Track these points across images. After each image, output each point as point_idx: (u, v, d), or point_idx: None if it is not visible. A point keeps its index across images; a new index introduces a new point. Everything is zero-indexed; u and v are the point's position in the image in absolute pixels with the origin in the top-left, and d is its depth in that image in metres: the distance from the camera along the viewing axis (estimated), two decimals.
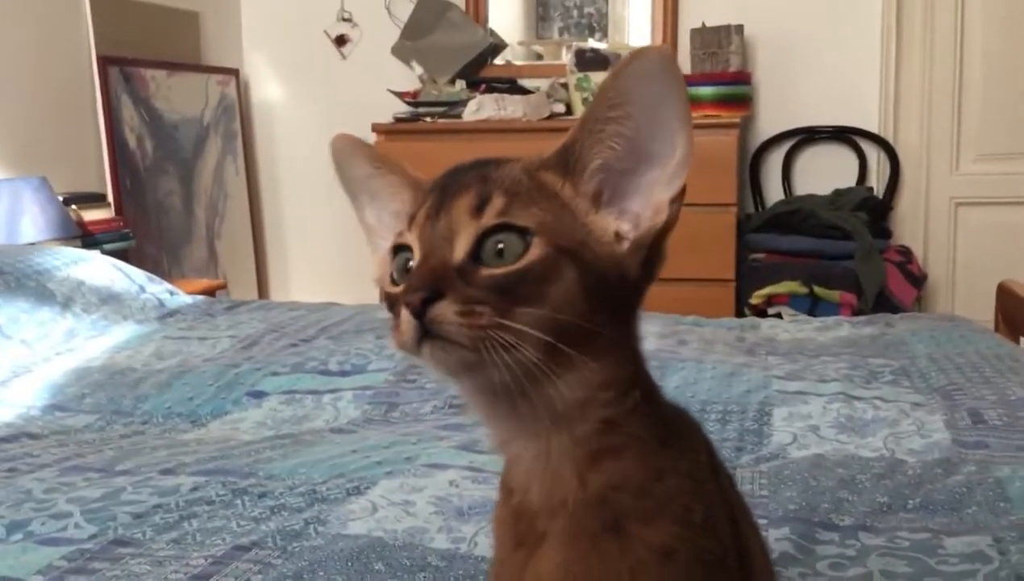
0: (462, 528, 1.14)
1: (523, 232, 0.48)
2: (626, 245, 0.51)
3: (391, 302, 0.50)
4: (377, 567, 1.04)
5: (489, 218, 0.49)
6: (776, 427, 1.49)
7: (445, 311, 0.46)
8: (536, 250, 0.48)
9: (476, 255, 0.48)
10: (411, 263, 0.49)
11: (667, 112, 0.49)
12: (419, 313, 0.46)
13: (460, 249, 0.48)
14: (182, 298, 2.52)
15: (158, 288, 2.51)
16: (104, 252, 2.70)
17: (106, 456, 1.43)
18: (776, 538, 1.13)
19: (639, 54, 0.49)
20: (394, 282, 0.51)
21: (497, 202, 0.49)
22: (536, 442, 0.53)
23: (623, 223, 0.52)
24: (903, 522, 1.18)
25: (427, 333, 0.46)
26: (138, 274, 2.52)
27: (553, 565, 0.53)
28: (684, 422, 0.60)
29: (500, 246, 0.48)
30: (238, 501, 1.22)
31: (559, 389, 0.50)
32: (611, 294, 0.51)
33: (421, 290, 0.46)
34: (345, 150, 0.57)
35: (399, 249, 0.51)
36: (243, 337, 2.10)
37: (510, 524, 0.56)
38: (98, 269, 2.42)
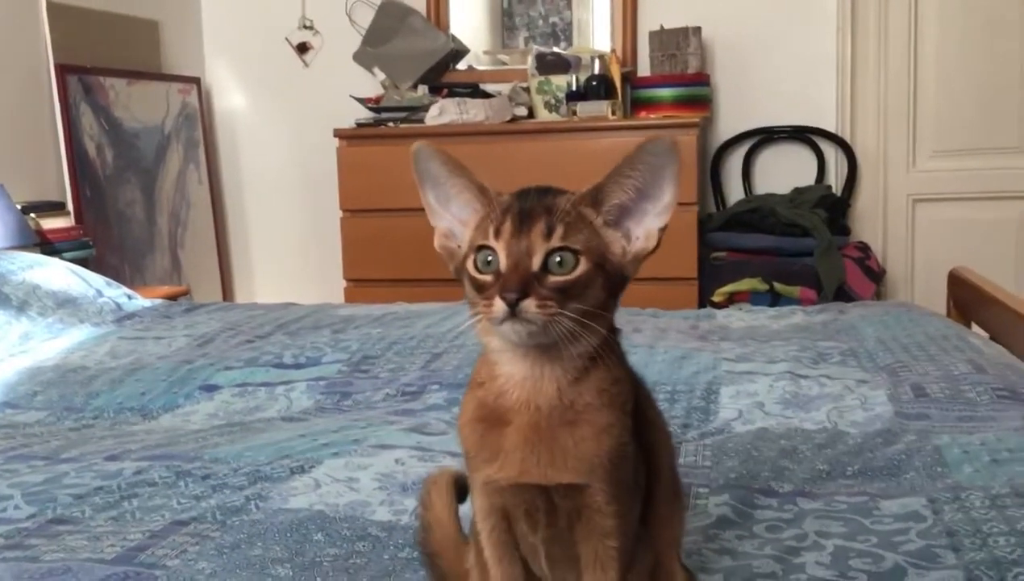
0: (404, 501, 1.14)
1: (575, 252, 0.73)
2: (629, 257, 0.77)
3: (479, 286, 0.74)
4: (316, 537, 1.04)
5: (555, 242, 0.73)
6: (723, 404, 1.50)
7: (530, 306, 0.71)
8: (583, 266, 0.73)
9: (544, 265, 0.73)
10: (491, 259, 0.74)
11: (666, 173, 0.76)
12: (513, 305, 0.71)
13: (536, 262, 0.73)
14: (140, 302, 2.51)
15: (116, 292, 2.49)
16: (64, 261, 2.68)
17: (52, 446, 1.42)
18: (716, 504, 1.14)
19: (654, 138, 0.75)
20: (478, 269, 0.75)
21: (559, 230, 0.74)
22: (531, 369, 0.75)
23: (627, 242, 0.77)
24: (841, 488, 1.19)
25: (512, 314, 0.71)
26: (96, 278, 2.50)
27: (514, 441, 0.75)
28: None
29: (559, 260, 0.73)
30: (181, 483, 1.22)
31: (577, 343, 0.73)
32: (616, 287, 0.77)
33: (515, 291, 0.71)
34: (424, 152, 0.79)
35: (482, 248, 0.75)
36: (199, 335, 2.09)
37: (475, 404, 0.78)
38: (55, 273, 2.40)
